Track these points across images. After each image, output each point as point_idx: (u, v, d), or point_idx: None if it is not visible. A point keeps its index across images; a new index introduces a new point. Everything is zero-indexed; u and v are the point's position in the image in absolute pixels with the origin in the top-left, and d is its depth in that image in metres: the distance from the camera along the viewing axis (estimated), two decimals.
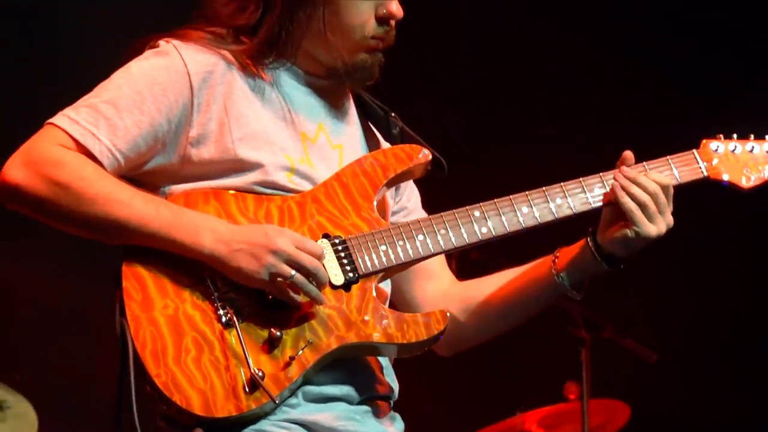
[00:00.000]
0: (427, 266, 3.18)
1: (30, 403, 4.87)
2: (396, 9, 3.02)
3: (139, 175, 2.95)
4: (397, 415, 3.05)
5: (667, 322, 6.36)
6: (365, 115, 3.23)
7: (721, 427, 6.66)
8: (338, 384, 2.91)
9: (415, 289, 3.21)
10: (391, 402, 3.05)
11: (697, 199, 3.13)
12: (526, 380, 5.74)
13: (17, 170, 2.84)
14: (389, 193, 3.17)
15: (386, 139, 3.21)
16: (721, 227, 6.06)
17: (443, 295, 3.21)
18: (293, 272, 2.80)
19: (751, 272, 6.61)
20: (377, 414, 2.98)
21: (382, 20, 3.02)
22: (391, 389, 3.04)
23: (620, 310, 5.21)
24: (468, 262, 4.24)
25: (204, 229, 2.83)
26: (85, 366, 2.71)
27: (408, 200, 3.25)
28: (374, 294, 2.92)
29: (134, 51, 3.01)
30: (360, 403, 2.94)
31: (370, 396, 2.97)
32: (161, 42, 2.99)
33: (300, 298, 2.84)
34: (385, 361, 3.04)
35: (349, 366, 2.92)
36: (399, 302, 3.10)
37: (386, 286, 3.07)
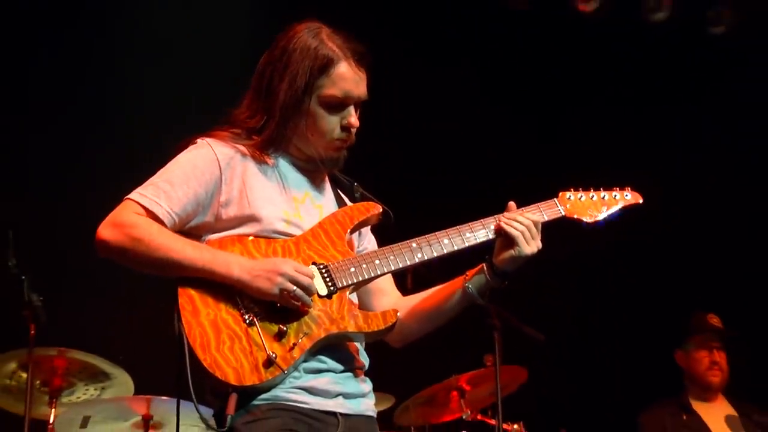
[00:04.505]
0: (381, 286, 3.18)
1: (129, 375, 4.89)
2: (354, 121, 3.03)
3: (186, 229, 2.97)
4: (368, 379, 3.05)
5: (552, 315, 6.40)
6: (336, 185, 3.24)
7: (584, 382, 6.74)
8: (327, 360, 2.90)
9: (373, 302, 3.19)
10: (364, 371, 3.04)
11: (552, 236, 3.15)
12: (459, 353, 5.71)
13: (107, 230, 2.87)
14: (355, 239, 3.18)
15: (350, 200, 3.22)
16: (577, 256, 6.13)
17: (393, 305, 3.17)
18: (295, 288, 2.82)
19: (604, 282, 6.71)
20: (354, 379, 2.97)
21: (344, 128, 3.03)
22: (363, 364, 3.03)
23: (520, 308, 5.18)
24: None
25: (233, 263, 2.84)
26: (164, 349, 2.73)
27: (368, 243, 3.26)
28: (348, 300, 2.93)
29: (181, 146, 3.04)
30: (342, 372, 2.94)
31: (349, 368, 2.97)
32: (198, 140, 3.03)
33: (298, 305, 2.85)
34: (359, 345, 3.04)
35: (334, 349, 2.93)
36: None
37: (354, 299, 3.06)
